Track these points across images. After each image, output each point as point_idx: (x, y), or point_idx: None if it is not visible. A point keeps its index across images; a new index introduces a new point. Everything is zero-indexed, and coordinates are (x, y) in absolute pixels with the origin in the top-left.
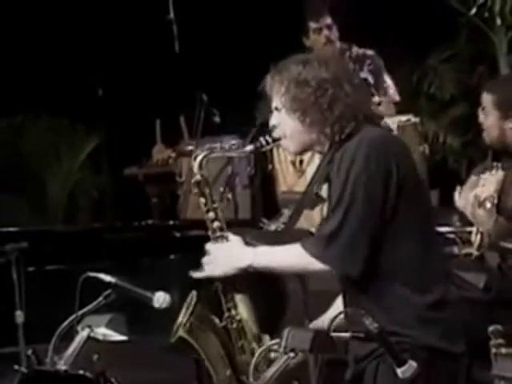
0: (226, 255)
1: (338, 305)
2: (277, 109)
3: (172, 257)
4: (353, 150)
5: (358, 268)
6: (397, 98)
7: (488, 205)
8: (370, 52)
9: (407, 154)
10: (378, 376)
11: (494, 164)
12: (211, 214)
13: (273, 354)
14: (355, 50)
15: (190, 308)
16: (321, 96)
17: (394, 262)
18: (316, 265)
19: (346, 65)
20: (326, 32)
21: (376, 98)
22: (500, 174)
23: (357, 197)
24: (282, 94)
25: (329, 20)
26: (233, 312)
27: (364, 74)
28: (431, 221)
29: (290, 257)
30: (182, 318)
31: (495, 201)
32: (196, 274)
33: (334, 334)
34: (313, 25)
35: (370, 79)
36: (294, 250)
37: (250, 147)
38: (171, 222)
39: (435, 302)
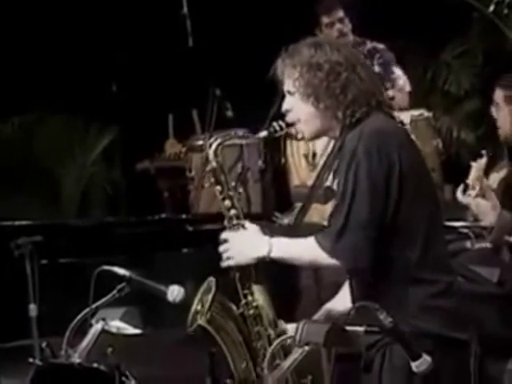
0: (244, 244)
1: (344, 294)
2: (289, 92)
3: (185, 251)
4: (354, 143)
5: (366, 260)
6: (407, 88)
7: (473, 192)
8: (380, 46)
9: (411, 146)
10: (384, 365)
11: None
12: (227, 202)
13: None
14: (368, 44)
15: (210, 296)
16: (334, 80)
17: (399, 254)
18: (327, 259)
19: (358, 51)
20: (338, 26)
21: (390, 92)
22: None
23: (359, 190)
24: (295, 79)
25: (341, 13)
26: (249, 298)
27: (375, 68)
28: (437, 213)
29: (305, 249)
30: (198, 305)
31: (477, 187)
32: (222, 264)
33: (348, 328)
34: (325, 19)
35: (381, 72)
36: (309, 243)
37: (263, 133)
38: (184, 216)
39: (438, 291)
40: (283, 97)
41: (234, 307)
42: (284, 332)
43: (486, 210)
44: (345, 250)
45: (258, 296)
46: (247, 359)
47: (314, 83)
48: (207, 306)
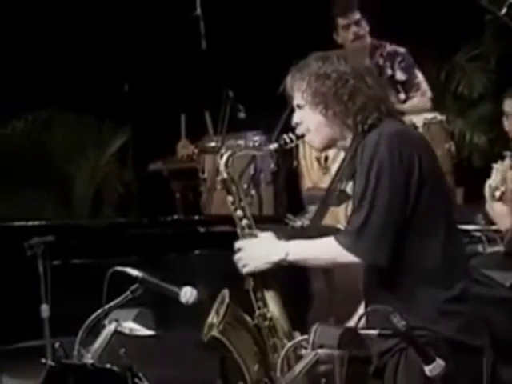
0: (260, 249)
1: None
2: (299, 106)
3: (197, 252)
4: (374, 144)
5: (385, 258)
6: (429, 93)
7: (497, 193)
8: (401, 49)
9: (429, 149)
10: (398, 371)
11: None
12: (239, 212)
13: (303, 351)
14: (387, 47)
15: (223, 308)
16: (341, 87)
17: (416, 257)
18: (347, 257)
19: (365, 61)
20: (354, 28)
21: (401, 96)
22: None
23: (380, 189)
24: (303, 90)
25: (357, 15)
26: (264, 310)
27: (395, 72)
28: (452, 216)
29: (323, 249)
30: (213, 317)
31: (502, 189)
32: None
33: (361, 331)
34: (341, 21)
35: (402, 76)
36: (327, 242)
37: (274, 145)
38: (196, 217)
39: (456, 296)
40: (292, 110)
41: (248, 318)
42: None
43: (503, 214)
44: (365, 246)
45: (273, 307)
46: (261, 368)
47: (322, 91)
48: (220, 317)
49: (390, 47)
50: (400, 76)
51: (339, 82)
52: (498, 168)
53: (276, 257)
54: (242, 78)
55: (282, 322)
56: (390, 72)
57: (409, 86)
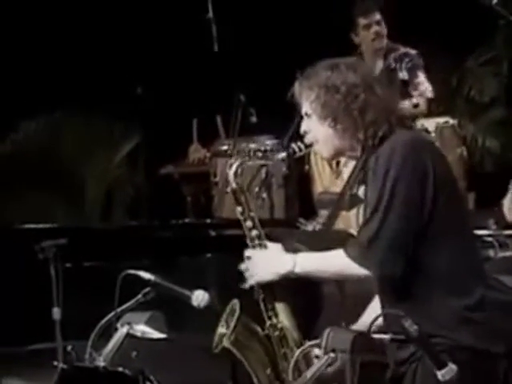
0: (268, 261)
1: (374, 307)
2: (307, 115)
3: (208, 255)
4: (388, 154)
5: (398, 270)
6: (429, 94)
7: None
8: (411, 51)
9: (442, 157)
10: (416, 378)
11: None
12: (249, 223)
13: (316, 351)
14: (401, 49)
15: (234, 319)
16: (351, 102)
17: (433, 265)
18: (357, 269)
19: (379, 63)
20: (375, 28)
21: (414, 100)
22: None
23: (395, 200)
24: (311, 101)
25: (378, 16)
26: (274, 320)
27: (402, 72)
28: (467, 223)
29: (332, 262)
30: (223, 328)
31: None
32: (244, 285)
33: (374, 336)
34: (362, 20)
35: (405, 76)
36: (336, 254)
37: (282, 154)
38: (208, 221)
39: (474, 303)
40: (301, 118)
41: (259, 329)
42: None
43: None
44: (375, 259)
45: (283, 317)
46: (273, 378)
47: (332, 105)
48: (231, 328)
49: (402, 49)
50: (403, 76)
51: (349, 97)
52: None
53: (283, 269)
54: (254, 81)
55: (293, 331)
56: (399, 74)
57: (408, 86)
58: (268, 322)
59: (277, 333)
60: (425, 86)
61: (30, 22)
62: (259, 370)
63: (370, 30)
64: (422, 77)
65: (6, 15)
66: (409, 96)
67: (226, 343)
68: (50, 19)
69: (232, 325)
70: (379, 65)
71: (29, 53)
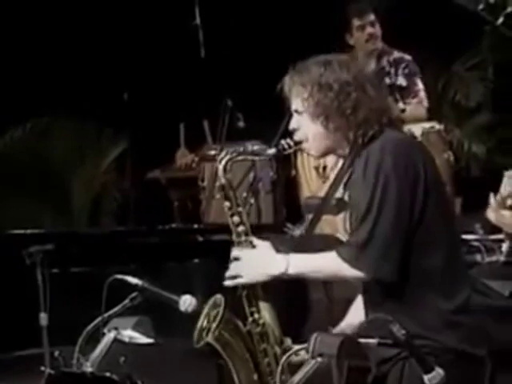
0: (259, 262)
1: (357, 308)
2: (297, 111)
3: (196, 261)
4: (379, 154)
5: (391, 272)
6: (425, 103)
7: (509, 201)
8: (407, 57)
9: (431, 159)
10: (403, 378)
11: None
12: (236, 218)
13: (296, 357)
14: (395, 53)
15: (219, 314)
16: (344, 101)
17: (421, 268)
18: (350, 271)
19: (371, 65)
20: (369, 29)
21: (401, 105)
22: None
23: (387, 201)
24: (304, 98)
25: (372, 17)
26: (256, 316)
27: (398, 77)
28: (454, 226)
29: (325, 263)
30: (204, 321)
31: None
32: (228, 283)
33: (361, 340)
34: (356, 21)
35: (403, 82)
36: (328, 256)
37: (272, 150)
38: (195, 226)
39: (459, 306)
40: (291, 115)
41: (241, 324)
42: (290, 349)
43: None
44: (369, 260)
45: (265, 313)
46: (253, 374)
47: (325, 103)
48: (216, 323)
49: (397, 54)
50: (401, 81)
51: (342, 95)
52: (508, 175)
53: (276, 270)
54: (242, 86)
55: (274, 327)
56: (393, 78)
57: (407, 93)
58: (250, 318)
59: (258, 328)
60: (423, 94)
61: (19, 28)
62: (239, 367)
63: (364, 31)
64: (420, 85)
65: None
66: (404, 102)
67: (210, 339)
68: (39, 26)
69: (217, 320)
70: (371, 66)
71: (16, 58)
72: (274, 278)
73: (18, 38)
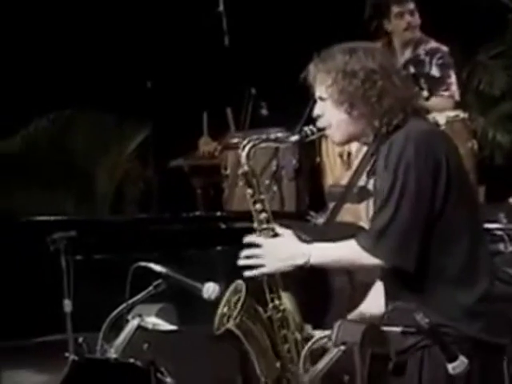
0: (282, 251)
1: (375, 294)
2: (321, 98)
3: (219, 248)
4: (402, 143)
5: (410, 261)
6: (457, 97)
7: None
8: (444, 48)
9: (454, 149)
10: (423, 367)
11: None
12: (258, 206)
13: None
14: (432, 43)
15: (240, 300)
16: (369, 88)
17: (442, 257)
18: (369, 259)
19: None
20: (408, 17)
21: (424, 93)
22: None
23: (408, 190)
24: (328, 85)
25: (412, 5)
26: (276, 302)
27: (432, 67)
28: (478, 216)
29: (345, 252)
30: (224, 307)
31: None
32: (249, 273)
33: (384, 328)
34: (395, 8)
35: (436, 73)
36: (349, 245)
37: (295, 137)
38: (218, 214)
39: (480, 296)
40: (315, 101)
41: (261, 310)
42: (311, 336)
43: None
44: (388, 249)
45: (285, 300)
46: (275, 361)
47: (349, 90)
48: (237, 310)
49: (434, 44)
50: (435, 72)
51: (367, 83)
52: None
53: (299, 260)
54: (265, 74)
55: (294, 313)
56: (426, 68)
57: (439, 84)
58: (271, 304)
59: (279, 314)
60: (455, 88)
61: (40, 18)
62: (262, 354)
63: (403, 18)
64: (454, 78)
65: (18, 11)
66: (435, 93)
67: (231, 325)
68: (61, 16)
69: (238, 306)
70: (407, 54)
71: (40, 49)
72: (297, 267)
73: (41, 31)
